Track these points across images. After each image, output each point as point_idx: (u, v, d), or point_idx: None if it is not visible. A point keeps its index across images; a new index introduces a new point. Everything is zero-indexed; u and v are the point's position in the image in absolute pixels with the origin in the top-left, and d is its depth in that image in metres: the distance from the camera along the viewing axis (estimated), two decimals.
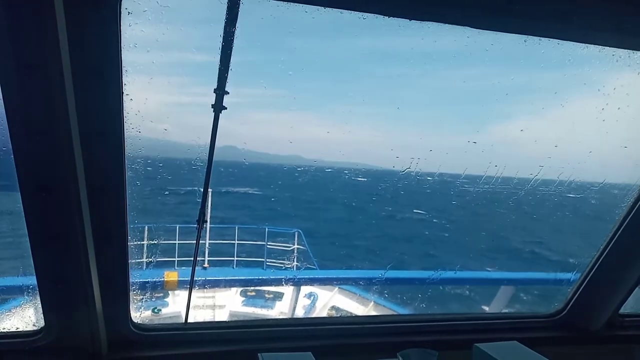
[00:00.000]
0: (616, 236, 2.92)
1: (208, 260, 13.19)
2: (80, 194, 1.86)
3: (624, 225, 2.87)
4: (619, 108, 2.58)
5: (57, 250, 2.00)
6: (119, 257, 2.17)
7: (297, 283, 11.13)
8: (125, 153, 1.91)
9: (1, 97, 1.66)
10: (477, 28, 1.95)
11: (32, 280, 2.17)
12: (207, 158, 2.16)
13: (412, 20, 1.89)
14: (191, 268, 2.81)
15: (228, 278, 11.08)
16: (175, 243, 13.44)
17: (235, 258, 13.78)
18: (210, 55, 1.87)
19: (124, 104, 1.82)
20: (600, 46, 2.13)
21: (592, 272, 3.11)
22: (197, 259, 13.34)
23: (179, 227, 14.04)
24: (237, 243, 13.97)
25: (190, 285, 2.93)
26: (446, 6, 1.85)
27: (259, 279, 10.50)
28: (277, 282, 10.93)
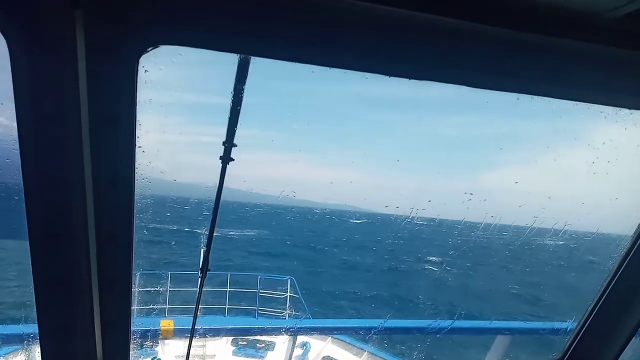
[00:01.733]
0: (611, 285, 2.96)
1: (201, 308, 12.96)
2: (89, 241, 1.90)
3: (618, 274, 2.91)
4: (608, 161, 2.70)
5: (62, 298, 2.02)
6: (122, 305, 2.18)
7: (291, 333, 10.90)
8: (135, 203, 1.96)
9: (18, 144, 1.73)
10: (473, 87, 2.06)
11: (33, 329, 2.16)
12: (212, 207, 2.21)
13: (412, 79, 2.01)
14: (193, 316, 2.80)
15: (218, 327, 10.85)
16: (167, 290, 13.25)
17: (227, 306, 13.57)
18: (220, 112, 1.96)
19: (136, 156, 1.88)
20: (589, 103, 2.25)
21: (589, 321, 3.12)
22: (188, 306, 13.09)
23: (170, 274, 13.89)
24: (229, 291, 13.80)
25: (191, 332, 2.91)
26: (444, 67, 1.96)
27: (250, 328, 10.28)
28: (270, 331, 10.70)
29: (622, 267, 2.90)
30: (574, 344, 3.21)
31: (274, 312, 13.91)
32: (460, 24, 1.81)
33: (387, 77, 2.00)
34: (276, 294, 14.33)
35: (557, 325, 8.10)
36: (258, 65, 1.93)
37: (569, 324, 3.38)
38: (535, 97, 2.19)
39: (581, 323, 3.17)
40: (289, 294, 13.96)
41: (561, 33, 1.89)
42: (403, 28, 1.81)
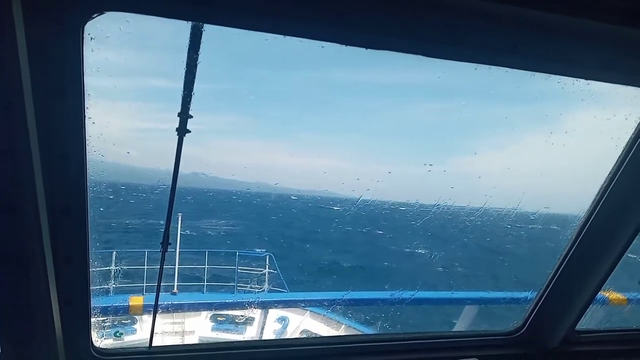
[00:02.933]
0: (569, 255, 3.04)
1: (177, 285, 12.96)
2: (41, 216, 1.85)
3: (576, 244, 2.99)
4: (565, 132, 2.74)
5: (16, 274, 1.97)
6: (79, 280, 2.15)
7: (266, 306, 11.02)
8: (88, 176, 1.92)
9: None
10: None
11: None
12: (170, 181, 2.18)
13: (369, 49, 1.98)
14: (155, 291, 2.78)
15: (196, 302, 10.88)
16: (144, 268, 13.18)
17: (205, 283, 13.59)
18: (174, 81, 1.91)
19: (86, 128, 1.83)
20: (546, 74, 2.26)
21: (547, 290, 3.21)
22: (167, 284, 13.03)
23: (147, 252, 13.81)
24: (207, 268, 13.80)
25: (154, 308, 2.90)
26: (401, 35, 1.94)
27: (228, 302, 10.34)
28: (247, 305, 10.79)
29: (580, 237, 2.97)
30: (534, 312, 3.30)
31: (253, 288, 14.00)
32: None
33: (344, 47, 1.97)
34: (254, 271, 14.41)
35: (517, 295, 8.35)
36: (231, 48, 1.88)
37: (530, 294, 3.47)
38: (493, 70, 2.19)
39: (540, 292, 3.26)
40: (267, 270, 14.03)
41: (559, 9, 1.88)
42: None
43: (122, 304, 8.05)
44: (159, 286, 2.74)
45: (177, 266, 13.38)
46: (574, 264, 3.05)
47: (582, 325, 3.40)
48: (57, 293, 2.10)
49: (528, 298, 3.46)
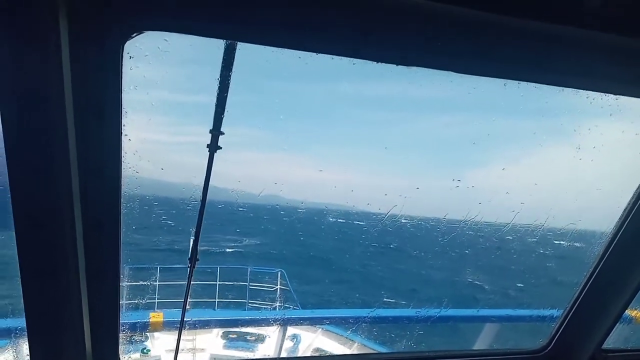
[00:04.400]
0: (596, 272, 3.01)
1: (190, 302, 12.94)
2: (76, 230, 1.88)
3: (604, 260, 2.96)
4: (594, 147, 2.73)
5: (49, 289, 1.99)
6: (111, 295, 2.16)
7: (280, 324, 10.93)
8: (122, 192, 1.94)
9: (2, 135, 1.70)
10: (460, 73, 2.06)
11: (20, 322, 2.14)
12: (200, 197, 2.19)
13: (400, 65, 2.00)
14: (181, 309, 2.78)
15: (208, 319, 10.84)
16: (156, 284, 13.20)
17: (217, 299, 13.54)
18: (207, 98, 1.94)
19: (122, 144, 1.86)
20: (575, 89, 2.27)
21: (574, 308, 3.17)
22: (177, 300, 13.01)
23: (159, 267, 13.83)
24: (219, 284, 13.77)
25: (180, 326, 2.90)
26: (430, 52, 1.96)
27: (239, 319, 10.28)
28: (258, 322, 10.73)
29: (606, 255, 2.94)
30: (561, 330, 3.26)
31: (264, 304, 13.93)
32: (446, 7, 1.80)
33: (375, 63, 1.99)
34: (266, 287, 14.35)
35: (543, 312, 8.22)
36: (248, 62, 1.91)
37: (555, 312, 3.43)
38: (522, 86, 2.20)
39: (567, 310, 3.22)
40: (279, 286, 13.97)
41: (546, 17, 1.90)
42: (391, 12, 1.80)
43: (144, 321, 8.03)
44: (185, 303, 2.74)
45: (189, 282, 13.37)
46: (601, 282, 3.01)
47: (608, 344, 3.35)
48: (88, 307, 2.11)
49: (554, 316, 3.41)
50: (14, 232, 1.91)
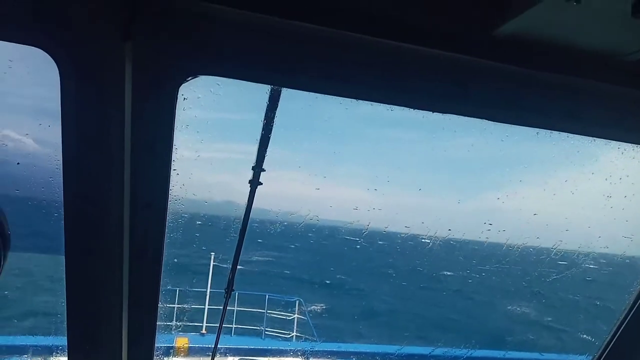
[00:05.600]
0: (628, 318, 2.97)
1: (206, 326, 12.93)
2: (123, 258, 1.99)
3: (636, 307, 2.93)
4: (625, 196, 2.75)
5: (92, 312, 2.10)
6: (149, 322, 2.25)
7: (304, 356, 10.75)
8: (167, 223, 2.05)
9: (62, 164, 1.84)
10: (493, 121, 2.14)
11: (62, 341, 2.24)
12: (239, 228, 2.29)
13: (435, 112, 2.10)
14: (216, 335, 2.85)
15: (226, 346, 10.78)
16: (174, 307, 13.24)
17: (234, 325, 13.49)
18: (250, 136, 2.06)
19: (171, 178, 1.98)
20: (606, 139, 2.32)
21: (605, 354, 3.12)
22: (195, 324, 12.96)
23: (178, 290, 13.89)
24: (237, 310, 13.73)
25: (213, 354, 2.96)
26: (467, 101, 2.05)
27: (262, 349, 10.20)
28: (281, 353, 10.61)
29: (637, 304, 2.91)
30: None
31: (281, 333, 13.81)
32: (482, 62, 1.90)
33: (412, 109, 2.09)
34: (283, 315, 14.26)
35: (572, 358, 7.97)
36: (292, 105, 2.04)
37: (585, 358, 3.37)
38: (554, 135, 2.27)
39: (597, 356, 3.18)
40: (296, 315, 13.87)
41: (579, 73, 1.98)
42: (427, 65, 1.91)
43: (167, 345, 8.07)
44: (219, 330, 2.81)
45: (206, 306, 13.39)
46: (632, 329, 2.97)
47: None
48: (127, 333, 2.20)
49: None
50: (63, 257, 2.03)
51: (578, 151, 2.30)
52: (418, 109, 2.05)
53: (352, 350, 11.08)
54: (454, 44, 1.83)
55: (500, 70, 1.93)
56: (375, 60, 1.88)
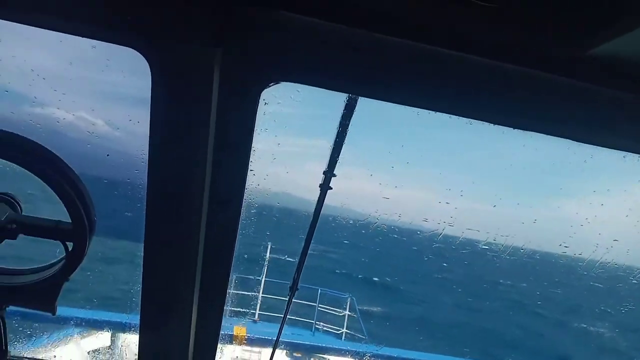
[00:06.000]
0: None
1: (259, 314, 13.27)
2: (198, 251, 2.09)
3: None
4: None
5: (165, 297, 2.23)
6: (216, 310, 2.35)
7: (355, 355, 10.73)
8: (240, 221, 2.13)
9: (147, 161, 1.95)
10: (579, 142, 2.05)
11: (135, 319, 2.39)
12: (307, 231, 2.34)
13: (515, 128, 2.04)
14: (278, 330, 2.93)
15: (281, 339, 10.94)
16: (230, 292, 13.67)
17: (286, 316, 13.72)
18: (325, 142, 2.09)
19: (247, 177, 2.05)
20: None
21: None
22: (250, 310, 13.28)
23: (235, 276, 14.33)
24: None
25: (273, 348, 3.05)
26: (548, 119, 1.98)
27: (312, 346, 10.33)
28: (330, 351, 10.70)
29: None
30: None
31: (331, 328, 13.92)
32: (573, 82, 1.83)
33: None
34: (335, 311, 14.36)
35: None
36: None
37: None
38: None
39: None
40: (347, 312, 13.93)
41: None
42: (495, 77, 1.86)
43: (227, 333, 8.40)
44: (281, 328, 2.89)
45: (260, 294, 13.74)
46: None
47: None
48: (195, 322, 2.32)
49: None
50: (142, 244, 2.16)
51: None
52: (500, 125, 2.00)
53: (407, 357, 10.91)
54: (543, 62, 1.78)
55: (591, 91, 1.86)
56: (455, 74, 1.86)
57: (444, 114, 2.03)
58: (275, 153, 2.12)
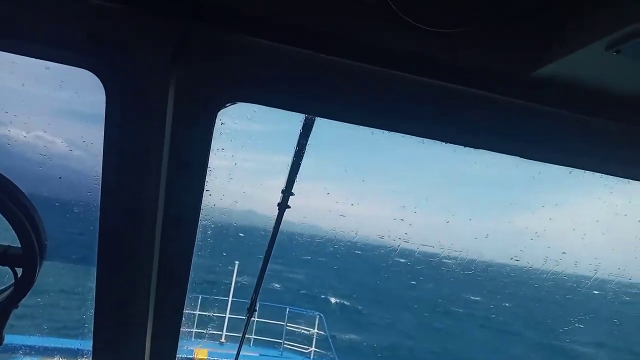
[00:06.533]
0: None
1: (225, 335, 13.02)
2: (152, 272, 2.05)
3: None
4: None
5: (118, 319, 2.17)
6: (172, 333, 2.30)
7: None
8: (196, 242, 2.11)
9: (100, 181, 1.92)
10: (526, 159, 2.13)
11: (87, 345, 2.31)
12: (265, 249, 2.33)
13: (467, 147, 2.10)
14: (236, 352, 2.89)
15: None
16: (196, 314, 13.36)
17: (253, 336, 13.53)
18: (283, 162, 2.11)
19: (203, 198, 2.04)
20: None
21: None
22: (215, 332, 13.00)
23: (200, 297, 14.04)
24: (257, 321, 13.76)
25: None
26: (495, 137, 2.05)
27: None
28: None
29: None
30: None
31: (300, 347, 13.78)
32: (520, 103, 1.91)
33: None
34: (303, 329, 14.23)
35: None
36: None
37: None
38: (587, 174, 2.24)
39: None
40: (316, 330, 13.83)
41: (615, 116, 1.97)
42: (463, 102, 1.92)
43: (187, 357, 8.18)
44: (239, 350, 2.85)
45: (227, 315, 13.48)
46: None
47: None
48: (150, 344, 2.26)
49: None
50: (94, 268, 2.11)
51: (611, 192, 2.26)
52: (451, 144, 2.05)
53: None
54: (491, 84, 1.85)
55: (535, 110, 1.94)
56: (411, 97, 1.91)
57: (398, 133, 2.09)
58: (233, 172, 2.11)
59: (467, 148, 2.13)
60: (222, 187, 2.08)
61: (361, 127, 2.03)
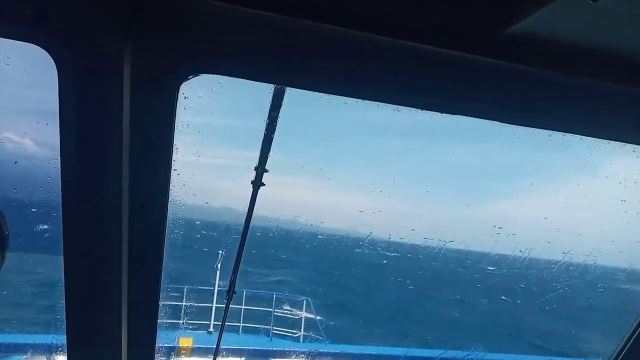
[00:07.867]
0: None
1: (214, 324, 12.94)
2: (122, 258, 1.95)
3: None
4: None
5: (91, 312, 2.07)
6: (149, 322, 2.21)
7: (311, 357, 10.70)
8: (167, 224, 2.01)
9: (59, 165, 1.80)
10: (503, 122, 2.07)
11: (61, 339, 2.21)
12: (241, 230, 2.24)
13: (443, 113, 2.03)
14: (217, 338, 2.82)
15: (232, 346, 10.73)
16: (182, 305, 13.25)
17: (241, 324, 13.48)
18: (254, 138, 2.01)
19: (171, 178, 1.93)
20: (621, 142, 2.24)
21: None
22: (203, 322, 12.96)
23: (186, 288, 13.92)
24: (244, 308, 13.71)
25: (214, 356, 2.92)
26: (477, 102, 1.98)
27: (270, 351, 10.14)
28: (288, 355, 10.56)
29: None
30: None
31: (289, 332, 13.79)
32: (493, 62, 1.84)
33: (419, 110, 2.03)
34: (291, 314, 14.24)
35: None
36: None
37: None
38: (567, 135, 2.19)
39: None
40: (304, 314, 13.85)
41: (594, 74, 1.91)
42: (436, 65, 1.84)
43: (171, 345, 8.07)
44: (221, 332, 2.77)
45: (214, 305, 13.40)
46: None
47: None
48: (127, 333, 2.17)
49: None
50: (62, 257, 2.00)
51: (591, 154, 2.21)
52: (426, 110, 1.98)
53: (360, 352, 10.98)
54: (463, 43, 1.76)
55: (511, 71, 1.87)
56: (381, 60, 1.82)
57: (377, 118, 2.00)
58: (201, 150, 2.01)
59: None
60: (191, 167, 1.98)
61: (338, 113, 1.95)
